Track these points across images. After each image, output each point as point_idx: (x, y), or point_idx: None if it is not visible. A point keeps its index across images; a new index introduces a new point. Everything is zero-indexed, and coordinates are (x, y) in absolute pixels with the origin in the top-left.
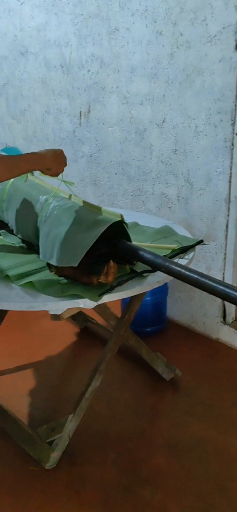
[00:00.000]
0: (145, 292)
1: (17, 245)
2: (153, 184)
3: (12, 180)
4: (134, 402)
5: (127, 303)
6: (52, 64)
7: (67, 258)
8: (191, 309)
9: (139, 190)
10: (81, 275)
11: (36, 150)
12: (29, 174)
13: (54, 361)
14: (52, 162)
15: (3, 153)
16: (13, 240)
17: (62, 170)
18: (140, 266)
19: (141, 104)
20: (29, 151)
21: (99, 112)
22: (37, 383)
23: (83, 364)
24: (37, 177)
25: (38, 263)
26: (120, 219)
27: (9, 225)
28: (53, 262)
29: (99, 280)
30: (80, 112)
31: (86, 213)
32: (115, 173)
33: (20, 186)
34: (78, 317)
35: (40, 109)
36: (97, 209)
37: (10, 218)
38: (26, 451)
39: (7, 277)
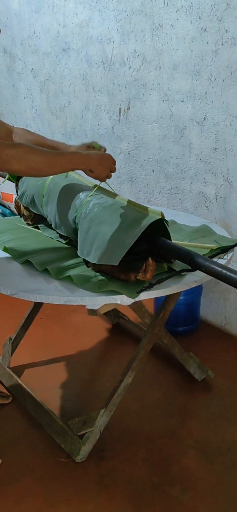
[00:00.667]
0: (181, 291)
1: (55, 239)
2: (191, 183)
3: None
4: (164, 400)
5: (160, 301)
6: (93, 60)
7: (106, 256)
8: (225, 310)
9: (176, 188)
10: (119, 271)
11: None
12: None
13: (86, 355)
14: (96, 165)
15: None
16: (52, 235)
17: (105, 176)
18: (177, 265)
19: (182, 101)
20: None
21: (139, 109)
22: (69, 376)
23: (115, 359)
24: (79, 174)
25: (76, 258)
26: (160, 217)
27: (47, 219)
28: (91, 259)
29: (137, 277)
30: (120, 108)
31: (127, 211)
32: (153, 171)
33: (61, 181)
34: (111, 313)
35: (79, 105)
36: (143, 209)
37: (49, 213)
38: (57, 443)
39: (45, 271)
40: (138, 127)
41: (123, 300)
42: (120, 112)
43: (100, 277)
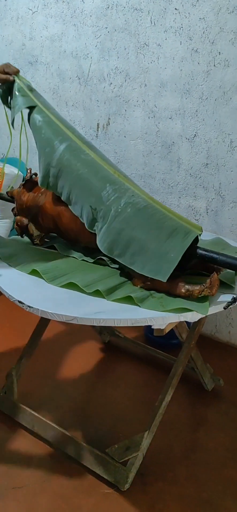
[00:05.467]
0: None
1: (80, 259)
2: (179, 197)
3: (64, 147)
4: (183, 414)
5: None
6: (67, 75)
7: (152, 269)
8: (215, 319)
9: (163, 202)
10: (178, 288)
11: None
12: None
13: (89, 378)
14: None
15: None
16: (73, 254)
17: None
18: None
19: (170, 118)
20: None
21: (120, 125)
22: (79, 402)
23: (120, 379)
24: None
25: (116, 277)
26: (200, 232)
27: (59, 193)
28: (127, 263)
29: (203, 293)
30: (98, 124)
31: (164, 218)
32: None
33: (78, 160)
34: (104, 331)
35: None
36: (179, 218)
37: (63, 189)
38: (92, 474)
39: (96, 293)
40: (119, 143)
41: (192, 316)
42: (97, 127)
43: (157, 295)
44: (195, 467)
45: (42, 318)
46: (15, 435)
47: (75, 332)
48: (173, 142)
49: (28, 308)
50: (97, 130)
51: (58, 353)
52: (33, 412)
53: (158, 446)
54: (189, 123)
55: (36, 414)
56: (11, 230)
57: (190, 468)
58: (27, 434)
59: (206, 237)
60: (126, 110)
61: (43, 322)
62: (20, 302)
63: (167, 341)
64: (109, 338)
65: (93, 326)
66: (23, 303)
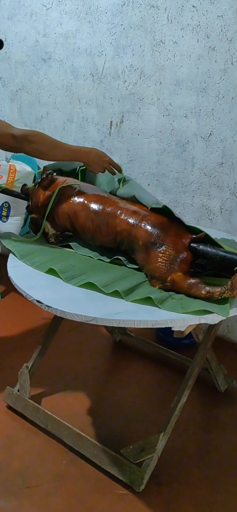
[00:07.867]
0: None
1: (96, 258)
2: (193, 196)
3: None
4: (198, 415)
5: None
6: (80, 72)
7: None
8: (228, 319)
9: (176, 201)
10: (198, 289)
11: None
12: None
13: (101, 377)
14: (93, 161)
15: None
16: (88, 254)
17: (98, 172)
18: None
19: (185, 116)
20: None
21: (134, 123)
22: (91, 401)
23: (132, 379)
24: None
25: (133, 277)
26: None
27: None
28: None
29: (224, 295)
30: (111, 122)
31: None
32: (149, 184)
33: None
34: (116, 330)
35: (61, 117)
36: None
37: None
38: (108, 474)
39: (114, 293)
40: (132, 141)
41: (213, 319)
42: (110, 125)
43: (176, 296)
44: (209, 468)
45: (55, 317)
46: (28, 433)
47: (86, 331)
48: (188, 140)
49: (47, 307)
50: (111, 128)
51: (69, 352)
52: (46, 410)
53: (171, 447)
54: (204, 122)
55: (49, 413)
56: (21, 228)
57: (204, 469)
58: (41, 433)
59: (222, 237)
60: (140, 108)
61: (56, 321)
62: (38, 301)
63: (178, 340)
64: (120, 337)
65: (105, 325)
66: (42, 303)
